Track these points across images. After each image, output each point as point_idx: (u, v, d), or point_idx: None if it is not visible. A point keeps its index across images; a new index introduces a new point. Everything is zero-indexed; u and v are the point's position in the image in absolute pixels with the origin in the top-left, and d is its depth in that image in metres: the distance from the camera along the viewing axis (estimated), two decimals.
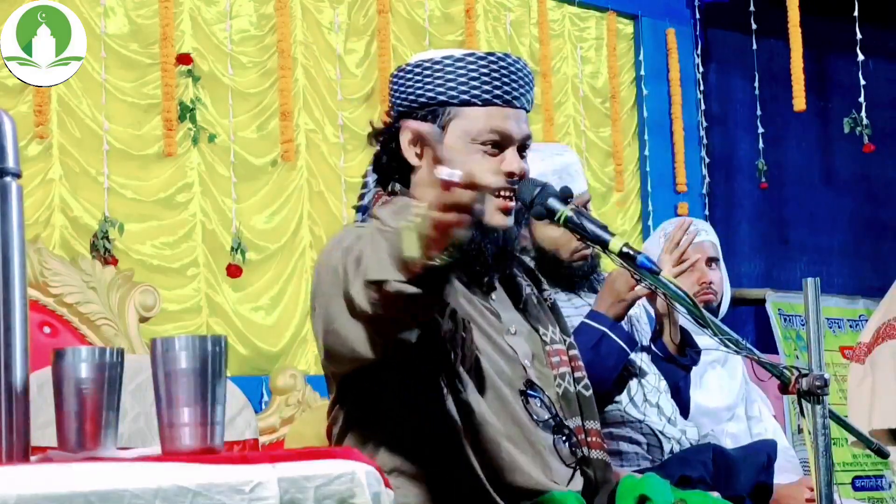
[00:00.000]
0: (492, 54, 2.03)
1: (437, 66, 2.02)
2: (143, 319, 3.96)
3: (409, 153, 2.05)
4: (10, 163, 1.40)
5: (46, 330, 3.70)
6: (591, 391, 2.16)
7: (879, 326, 3.66)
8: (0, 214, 1.37)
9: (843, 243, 7.82)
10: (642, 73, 7.07)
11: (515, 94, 2.04)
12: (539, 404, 2.03)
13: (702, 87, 7.34)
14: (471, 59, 2.02)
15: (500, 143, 2.03)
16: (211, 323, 5.23)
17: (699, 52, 7.35)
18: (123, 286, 3.90)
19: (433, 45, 6.15)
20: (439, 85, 2.02)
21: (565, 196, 2.08)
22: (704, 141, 7.32)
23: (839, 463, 6.37)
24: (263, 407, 4.78)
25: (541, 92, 6.51)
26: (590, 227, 2.02)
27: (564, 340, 2.19)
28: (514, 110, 2.04)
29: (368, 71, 5.92)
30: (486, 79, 2.01)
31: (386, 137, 2.09)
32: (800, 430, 5.77)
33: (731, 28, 7.35)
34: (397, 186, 2.08)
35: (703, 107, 7.32)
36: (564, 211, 2.04)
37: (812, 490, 3.07)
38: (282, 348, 5.41)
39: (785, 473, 3.14)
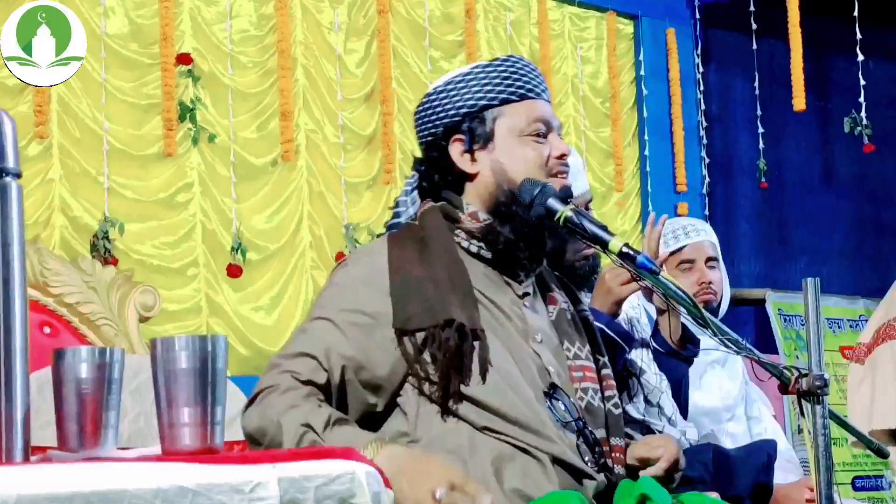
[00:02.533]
0: (510, 58, 2.20)
1: (470, 77, 2.17)
2: (143, 319, 3.96)
3: (465, 162, 2.15)
4: (10, 163, 1.40)
5: (46, 330, 3.70)
6: (620, 410, 2.18)
7: (879, 327, 3.66)
8: (0, 214, 1.37)
9: (843, 243, 7.82)
10: (642, 73, 7.08)
11: (539, 88, 2.19)
12: (563, 408, 2.05)
13: (702, 87, 7.34)
14: (497, 63, 2.18)
15: (543, 131, 2.15)
16: (211, 323, 5.23)
17: (699, 52, 7.35)
18: (123, 286, 3.90)
19: (433, 45, 6.16)
20: (477, 91, 2.15)
21: (565, 196, 2.08)
22: (704, 141, 7.32)
23: (839, 463, 6.38)
24: None
25: None
26: (590, 227, 2.02)
27: (596, 359, 2.22)
28: (544, 102, 2.19)
29: (368, 71, 5.92)
30: (516, 77, 2.16)
31: (436, 156, 2.18)
32: (800, 430, 5.77)
33: (731, 28, 7.35)
34: (452, 196, 2.17)
35: (703, 107, 7.32)
36: (564, 211, 2.05)
37: (812, 490, 3.07)
38: (281, 348, 5.40)
39: (785, 473, 3.14)
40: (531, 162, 2.12)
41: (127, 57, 5.14)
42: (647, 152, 7.00)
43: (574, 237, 2.15)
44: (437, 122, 2.17)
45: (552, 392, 2.06)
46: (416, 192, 2.24)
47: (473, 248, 2.12)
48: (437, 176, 2.18)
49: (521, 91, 2.15)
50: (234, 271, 5.29)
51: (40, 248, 3.85)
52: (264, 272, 5.45)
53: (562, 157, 2.16)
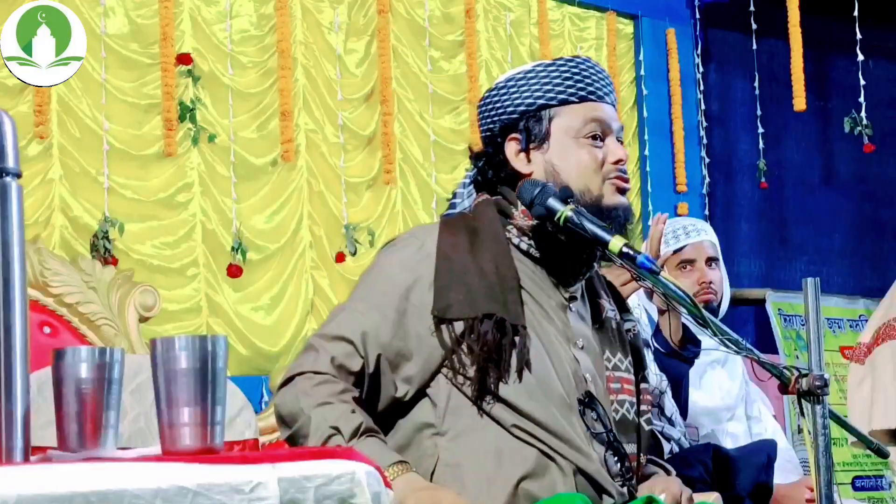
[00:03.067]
0: (574, 59, 2.18)
1: (531, 75, 2.16)
2: (143, 319, 3.95)
3: (519, 162, 2.14)
4: (10, 163, 1.39)
5: (46, 330, 3.70)
6: (650, 427, 2.18)
7: (879, 327, 3.66)
8: (0, 214, 1.37)
9: (843, 243, 7.81)
10: (642, 73, 7.07)
11: (603, 91, 2.17)
12: (595, 417, 2.03)
13: (702, 87, 7.34)
14: (559, 62, 2.16)
15: (601, 134, 2.14)
16: (211, 323, 5.23)
17: (699, 52, 7.35)
18: (123, 286, 3.90)
19: (433, 45, 6.16)
20: (536, 90, 2.14)
21: (565, 196, 2.08)
22: (704, 141, 7.31)
23: (839, 463, 6.37)
24: (263, 407, 4.78)
25: None
26: (590, 226, 2.02)
27: (636, 373, 2.20)
28: (606, 105, 2.18)
29: (368, 71, 5.92)
30: (577, 78, 2.15)
31: (492, 152, 2.18)
32: (800, 430, 5.77)
33: (731, 28, 7.35)
34: (507, 191, 2.16)
35: (703, 107, 7.32)
36: (564, 211, 2.05)
37: (812, 490, 3.08)
38: (282, 348, 5.41)
39: (785, 473, 3.14)
40: (584, 165, 2.12)
41: (127, 57, 5.14)
42: (647, 152, 7.00)
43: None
44: (496, 119, 2.17)
45: (587, 400, 2.04)
46: (472, 186, 2.23)
47: (524, 246, 2.11)
48: (492, 172, 2.17)
49: (582, 93, 2.14)
50: (234, 271, 5.29)
51: (40, 248, 3.85)
52: (264, 272, 5.45)
53: (618, 161, 2.13)
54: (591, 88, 2.15)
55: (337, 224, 5.68)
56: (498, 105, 2.17)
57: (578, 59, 2.18)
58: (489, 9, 6.48)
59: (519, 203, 2.11)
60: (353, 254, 5.66)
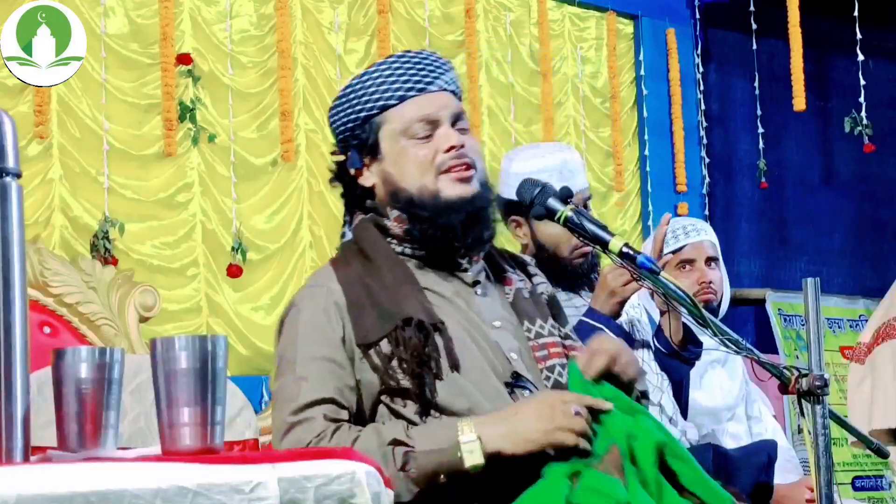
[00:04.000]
0: (390, 56, 2.12)
1: (349, 91, 2.11)
2: (143, 319, 3.96)
3: (360, 177, 2.13)
4: (10, 163, 1.40)
5: (46, 330, 3.70)
6: None
7: (879, 326, 3.66)
8: (0, 214, 1.37)
9: (843, 243, 7.81)
10: (642, 73, 7.07)
11: (427, 80, 2.08)
12: (528, 395, 2.00)
13: (702, 87, 7.33)
14: (373, 69, 2.10)
15: (428, 129, 2.07)
16: (211, 323, 5.22)
17: (699, 52, 7.35)
18: (123, 286, 3.90)
19: (433, 45, 6.15)
20: (356, 104, 2.09)
21: (565, 196, 2.08)
22: (704, 141, 7.31)
23: (839, 463, 6.37)
24: (263, 407, 4.78)
25: (541, 92, 6.51)
26: (590, 227, 2.02)
27: (560, 331, 2.17)
28: (432, 94, 2.08)
29: None
30: (392, 78, 2.07)
31: (342, 172, 2.17)
32: (800, 430, 5.77)
33: (731, 28, 7.35)
34: (375, 204, 2.14)
35: (703, 107, 7.32)
36: (564, 211, 2.05)
37: (812, 490, 3.08)
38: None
39: (785, 473, 3.14)
40: (415, 164, 2.06)
41: (127, 57, 5.14)
42: (647, 152, 7.00)
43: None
44: (336, 136, 2.16)
45: (515, 381, 2.02)
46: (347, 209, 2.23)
47: (408, 251, 2.09)
48: (350, 189, 2.17)
49: (401, 93, 2.07)
50: (234, 271, 5.29)
51: (40, 248, 3.85)
52: (264, 272, 5.45)
53: (450, 149, 2.06)
54: (409, 84, 2.07)
55: (337, 224, 5.63)
56: (334, 122, 2.15)
57: (397, 55, 2.12)
58: (489, 9, 6.48)
59: (390, 212, 2.09)
60: None
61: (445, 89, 2.11)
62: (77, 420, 1.41)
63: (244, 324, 5.32)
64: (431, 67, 2.10)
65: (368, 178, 2.12)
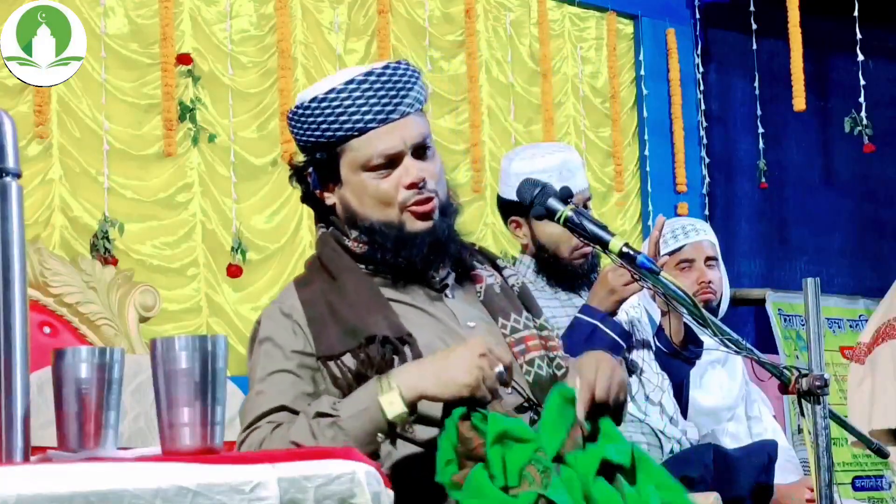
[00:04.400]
0: (351, 81, 2.00)
1: (308, 111, 2.02)
2: (143, 319, 3.96)
3: (321, 196, 2.09)
4: (10, 163, 1.40)
5: (46, 330, 3.70)
6: (564, 370, 2.07)
7: (879, 326, 3.67)
8: (0, 214, 1.37)
9: (843, 243, 7.81)
10: (642, 73, 7.07)
11: (390, 107, 2.00)
12: (508, 392, 1.96)
13: (702, 87, 7.33)
14: (332, 94, 2.00)
15: (388, 162, 2.02)
16: (211, 323, 5.22)
17: (699, 52, 7.35)
18: (123, 286, 3.90)
19: (433, 45, 6.16)
20: (315, 129, 2.02)
21: (565, 196, 2.08)
22: (704, 141, 7.31)
23: (839, 463, 6.37)
24: None
25: (541, 92, 6.51)
26: (589, 227, 2.02)
27: (534, 323, 2.13)
28: (394, 124, 2.01)
29: None
30: (352, 108, 1.99)
31: (300, 179, 2.13)
32: (800, 430, 5.77)
33: (731, 28, 7.35)
34: (337, 221, 2.10)
35: (703, 107, 7.32)
36: (564, 211, 2.05)
37: (812, 490, 3.08)
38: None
39: (785, 473, 3.15)
40: (377, 200, 2.02)
41: (127, 57, 5.14)
42: (647, 152, 7.00)
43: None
44: (298, 144, 2.11)
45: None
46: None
47: (371, 268, 2.07)
48: (312, 201, 2.13)
49: (361, 124, 1.99)
50: (234, 271, 5.29)
51: (40, 248, 3.85)
52: (264, 272, 5.45)
53: (411, 186, 2.01)
54: (370, 116, 1.99)
55: None
56: (294, 134, 2.08)
57: (360, 78, 2.00)
58: (489, 9, 6.48)
59: (349, 232, 2.06)
60: None
61: (409, 112, 2.03)
62: (77, 420, 1.41)
63: (244, 324, 5.32)
64: (394, 91, 2.01)
65: (329, 199, 2.09)
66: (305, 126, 2.04)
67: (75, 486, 1.17)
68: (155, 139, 5.16)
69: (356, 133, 2.00)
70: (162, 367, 1.40)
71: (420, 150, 2.04)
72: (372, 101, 2.00)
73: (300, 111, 2.05)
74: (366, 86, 2.00)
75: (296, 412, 1.93)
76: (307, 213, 5.60)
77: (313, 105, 2.02)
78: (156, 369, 1.41)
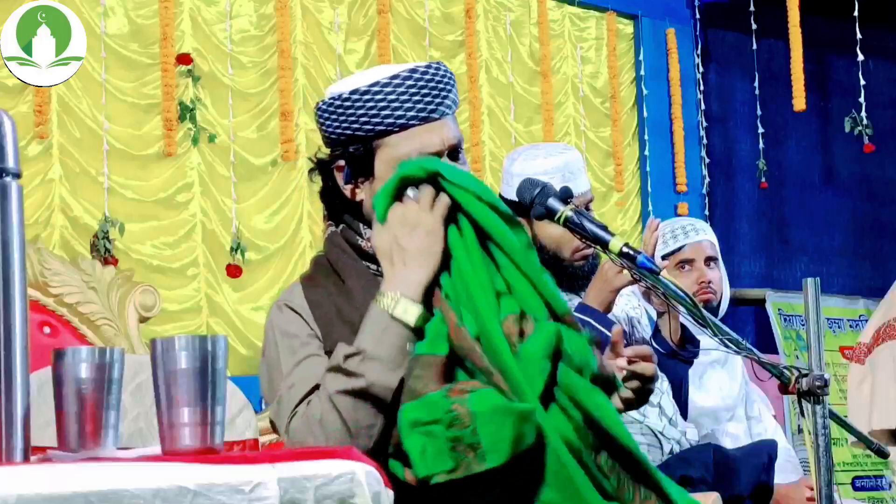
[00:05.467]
0: (396, 76, 2.00)
1: (348, 103, 2.00)
2: (143, 319, 3.96)
3: (348, 191, 2.06)
4: (10, 163, 1.39)
5: (46, 330, 3.70)
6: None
7: (879, 327, 3.66)
8: (0, 214, 1.37)
9: (843, 243, 7.82)
10: (642, 73, 7.08)
11: (431, 106, 2.00)
12: None
13: (702, 87, 7.34)
14: (376, 88, 1.99)
15: None
16: (211, 323, 5.23)
17: (699, 52, 7.35)
18: (123, 286, 3.90)
19: (433, 45, 6.16)
20: (353, 121, 2.00)
21: (565, 196, 2.08)
22: (704, 141, 7.32)
23: (839, 463, 6.38)
24: (263, 407, 4.77)
25: (541, 92, 6.51)
26: (590, 227, 2.02)
27: None
28: (434, 124, 2.01)
29: None
30: (396, 104, 1.98)
31: (324, 174, 2.10)
32: (800, 430, 5.77)
33: (731, 28, 7.36)
34: (350, 220, 2.08)
35: (703, 107, 7.32)
36: (564, 211, 2.05)
37: (812, 490, 3.08)
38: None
39: (785, 473, 3.15)
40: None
41: (127, 57, 5.14)
42: (647, 152, 7.00)
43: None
44: (325, 138, 2.08)
45: None
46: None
47: (382, 271, 2.03)
48: (330, 196, 2.10)
49: (404, 120, 1.98)
50: (234, 271, 5.29)
51: (40, 248, 3.85)
52: (264, 272, 5.45)
53: None
54: (413, 112, 1.99)
55: None
56: (325, 126, 2.05)
57: (405, 74, 1.99)
58: (489, 9, 6.48)
59: (363, 230, 2.05)
60: None
61: (447, 114, 2.03)
62: (77, 420, 1.41)
63: (244, 324, 5.32)
64: (437, 90, 2.01)
65: (356, 195, 2.06)
66: (343, 118, 2.01)
67: (75, 486, 1.17)
68: (155, 139, 5.16)
69: (397, 129, 1.99)
70: (162, 367, 1.40)
71: (454, 153, 2.04)
72: (415, 98, 1.99)
73: (337, 102, 2.02)
74: (410, 82, 1.99)
75: None
76: (307, 212, 5.60)
77: (354, 97, 1.99)
78: (156, 369, 1.41)
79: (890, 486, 6.57)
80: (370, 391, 1.82)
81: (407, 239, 1.87)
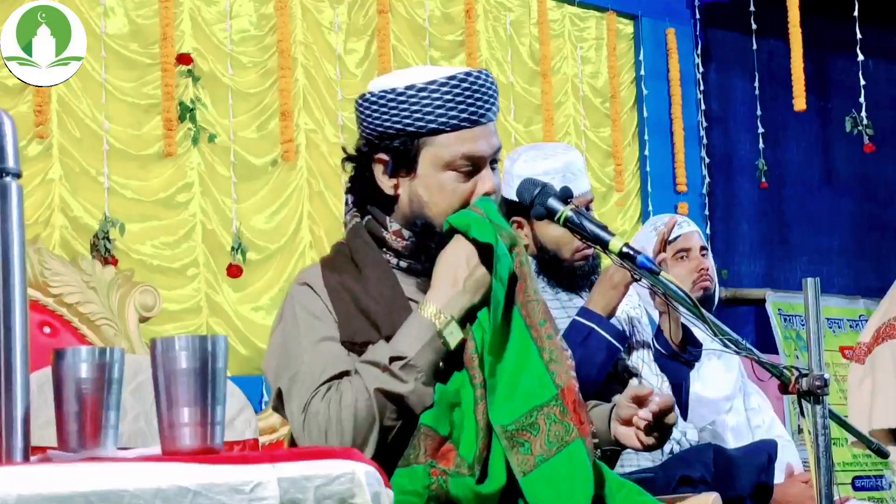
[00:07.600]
0: (453, 77, 2.02)
1: (402, 98, 2.01)
2: (143, 319, 3.95)
3: (386, 184, 2.07)
4: (10, 163, 1.39)
5: (46, 330, 3.70)
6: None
7: (879, 326, 3.67)
8: (0, 214, 1.37)
9: (843, 243, 7.82)
10: (642, 73, 7.08)
11: (482, 111, 2.02)
12: None
13: (702, 87, 7.34)
14: (433, 87, 2.01)
15: (470, 166, 2.03)
16: (211, 323, 5.23)
17: (699, 52, 7.35)
18: (123, 286, 3.90)
19: (433, 45, 6.16)
20: (405, 116, 2.01)
21: (565, 196, 2.08)
22: (704, 141, 7.32)
23: (839, 463, 6.38)
24: (263, 407, 4.77)
25: (541, 92, 6.51)
26: (589, 227, 2.02)
27: None
28: (481, 129, 2.03)
29: (368, 71, 5.92)
30: (451, 104, 2.00)
31: (359, 164, 2.11)
32: (800, 430, 5.77)
33: (731, 28, 7.36)
34: (377, 212, 2.10)
35: (703, 107, 7.33)
36: (564, 211, 2.05)
37: (805, 483, 3.09)
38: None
39: (781, 454, 3.16)
40: (450, 202, 2.02)
41: (127, 57, 5.14)
42: (647, 152, 7.00)
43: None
44: (366, 131, 2.08)
45: None
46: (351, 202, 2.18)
47: (403, 264, 2.07)
48: (361, 187, 2.11)
49: (455, 121, 2.00)
50: (234, 271, 5.29)
51: (40, 248, 3.85)
52: (264, 272, 5.45)
53: (487, 194, 2.03)
54: (465, 115, 2.00)
55: (337, 224, 5.67)
56: (368, 119, 2.06)
57: (460, 77, 2.02)
58: (489, 9, 6.48)
59: (389, 224, 2.07)
60: None
61: (493, 119, 2.07)
62: (77, 420, 1.41)
63: (244, 324, 5.32)
64: (487, 96, 2.03)
65: (393, 190, 2.07)
66: (395, 112, 2.02)
67: (75, 486, 1.17)
68: (155, 139, 5.16)
69: (448, 129, 2.01)
70: (162, 367, 1.40)
71: (494, 161, 2.07)
72: (469, 101, 2.01)
73: (390, 96, 2.02)
74: (465, 85, 2.01)
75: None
76: (307, 212, 5.60)
77: (410, 92, 2.01)
78: (156, 369, 1.41)
79: (890, 486, 6.57)
80: (407, 400, 1.89)
81: (475, 265, 1.95)
